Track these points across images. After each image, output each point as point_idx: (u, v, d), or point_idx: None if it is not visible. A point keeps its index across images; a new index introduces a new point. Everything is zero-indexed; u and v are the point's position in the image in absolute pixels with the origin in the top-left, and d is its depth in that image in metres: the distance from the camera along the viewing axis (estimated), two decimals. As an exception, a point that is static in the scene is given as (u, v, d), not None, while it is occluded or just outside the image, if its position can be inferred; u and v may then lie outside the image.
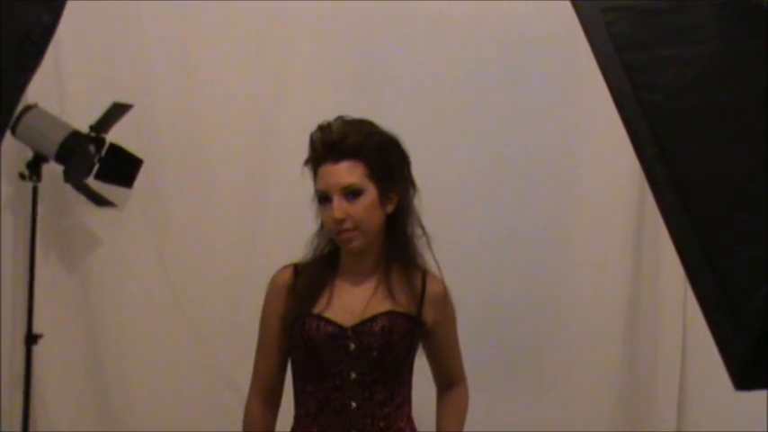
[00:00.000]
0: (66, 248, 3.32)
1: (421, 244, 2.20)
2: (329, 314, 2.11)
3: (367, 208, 2.07)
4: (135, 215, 3.33)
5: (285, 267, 2.21)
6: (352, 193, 2.06)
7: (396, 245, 2.16)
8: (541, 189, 3.41)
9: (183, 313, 3.33)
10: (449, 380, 2.31)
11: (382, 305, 2.12)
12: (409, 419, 2.17)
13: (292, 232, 3.05)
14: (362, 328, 2.10)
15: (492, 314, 3.37)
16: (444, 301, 2.21)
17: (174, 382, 3.30)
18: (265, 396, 2.22)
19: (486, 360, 3.23)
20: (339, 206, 2.06)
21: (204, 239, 3.34)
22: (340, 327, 2.10)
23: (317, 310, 2.12)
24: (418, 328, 2.15)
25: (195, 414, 3.27)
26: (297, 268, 2.20)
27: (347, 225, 2.07)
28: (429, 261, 2.22)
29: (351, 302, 2.13)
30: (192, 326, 3.32)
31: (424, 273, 2.20)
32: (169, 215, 3.35)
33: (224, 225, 3.33)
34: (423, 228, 2.19)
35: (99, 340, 3.30)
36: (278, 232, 3.26)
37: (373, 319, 2.10)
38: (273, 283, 2.21)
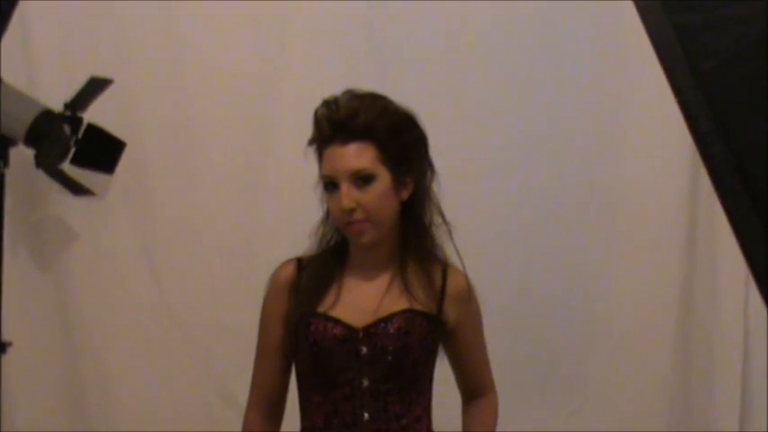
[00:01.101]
0: (39, 244, 3.31)
1: (440, 234, 2.19)
2: (337, 314, 2.10)
3: (379, 196, 2.06)
4: (117, 205, 3.32)
5: (287, 262, 2.22)
6: (363, 179, 2.05)
7: (412, 235, 2.15)
8: (579, 169, 3.39)
9: (173, 317, 3.33)
10: (475, 389, 2.30)
11: (398, 303, 2.12)
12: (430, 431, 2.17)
13: (294, 222, 3.05)
14: (376, 329, 2.09)
15: (523, 313, 3.35)
16: (468, 297, 2.20)
17: (164, 395, 3.30)
18: (266, 408, 2.22)
19: (518, 367, 3.24)
20: (348, 194, 2.05)
21: (195, 232, 3.33)
22: (350, 328, 2.09)
23: (323, 309, 2.11)
24: (439, 328, 2.14)
25: (187, 428, 3.25)
26: (300, 263, 2.20)
27: (357, 215, 2.06)
28: (450, 253, 2.21)
29: (362, 300, 2.12)
30: (183, 331, 3.32)
31: (445, 266, 2.20)
32: (156, 205, 3.34)
33: (217, 215, 3.32)
34: (442, 215, 2.18)
35: (77, 348, 3.29)
36: (278, 223, 3.26)
37: (388, 318, 2.09)
38: (274, 280, 2.21)
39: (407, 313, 2.10)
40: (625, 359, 3.40)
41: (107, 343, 3.30)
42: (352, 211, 2.06)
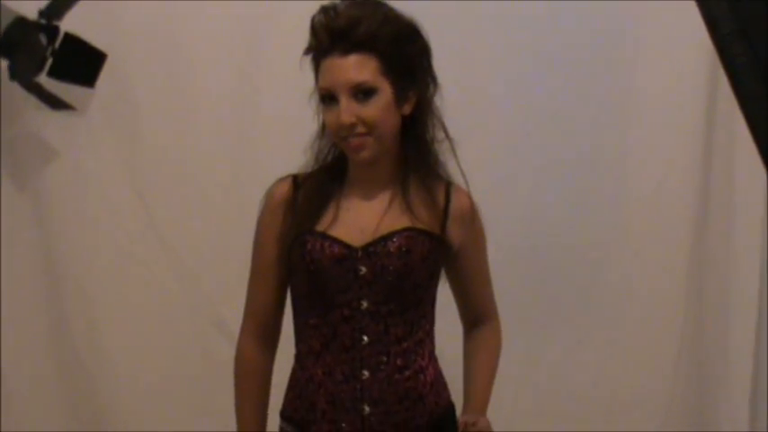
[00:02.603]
0: (15, 162, 3.27)
1: (443, 151, 2.16)
2: (335, 232, 2.08)
3: (380, 110, 2.04)
4: (99, 121, 3.28)
5: (282, 179, 2.19)
6: (364, 92, 2.02)
7: (414, 152, 2.14)
8: (588, 86, 3.36)
9: (161, 240, 3.31)
10: (478, 315, 2.30)
11: (399, 221, 2.10)
12: (432, 357, 2.17)
13: (288, 137, 3.06)
14: (375, 248, 2.07)
15: (526, 242, 3.35)
16: (472, 217, 2.19)
17: (152, 321, 3.29)
18: (260, 333, 2.22)
19: (520, 299, 3.24)
20: (348, 108, 2.02)
21: (183, 150, 3.29)
22: (348, 247, 2.07)
23: (320, 227, 2.09)
24: (442, 249, 2.13)
25: (178, 358, 3.29)
26: (296, 180, 2.17)
27: (357, 130, 2.03)
28: (453, 171, 2.18)
29: (361, 219, 2.11)
30: (171, 256, 3.31)
31: (448, 184, 2.18)
32: (140, 121, 3.30)
33: (207, 131, 3.28)
34: (446, 131, 2.15)
35: (58, 275, 3.29)
36: (271, 138, 3.23)
37: (388, 237, 2.08)
38: (269, 198, 2.18)
39: (409, 232, 2.08)
40: (631, 292, 3.41)
41: (90, 269, 3.28)
42: (351, 125, 2.03)
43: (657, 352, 3.41)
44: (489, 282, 2.30)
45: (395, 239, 2.08)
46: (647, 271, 3.40)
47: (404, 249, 2.07)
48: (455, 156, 2.17)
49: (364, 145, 2.06)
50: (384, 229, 2.09)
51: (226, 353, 3.23)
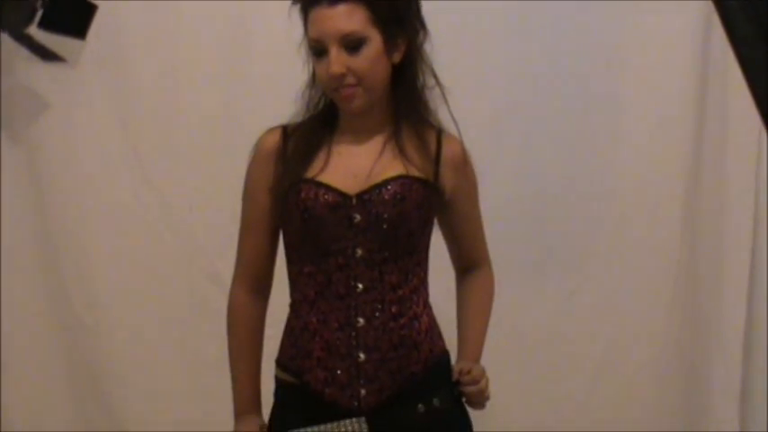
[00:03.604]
0: (7, 114, 3.26)
1: (434, 98, 2.16)
2: (329, 179, 2.09)
3: (371, 60, 2.04)
4: (90, 74, 3.26)
5: (272, 129, 2.20)
6: (353, 42, 2.02)
7: (405, 99, 2.14)
8: (582, 33, 3.33)
9: (154, 192, 3.31)
10: (471, 262, 2.32)
11: (393, 168, 2.10)
12: (426, 305, 2.17)
13: (278, 87, 3.03)
14: (370, 195, 2.07)
15: (521, 188, 3.34)
16: (464, 164, 2.20)
17: (144, 272, 3.30)
18: (252, 283, 2.23)
19: (515, 246, 3.26)
20: (337, 59, 2.02)
21: (175, 101, 3.28)
22: (342, 194, 2.07)
23: (313, 174, 2.09)
24: (436, 195, 2.14)
25: (169, 309, 3.30)
26: (286, 130, 2.18)
27: (347, 81, 2.04)
28: (444, 117, 2.19)
29: (354, 166, 2.11)
30: (164, 207, 3.31)
31: (439, 131, 2.18)
32: (132, 73, 3.29)
33: (198, 83, 3.27)
34: (436, 77, 2.15)
35: (52, 227, 3.29)
36: (261, 89, 3.22)
37: (383, 184, 2.08)
38: (259, 148, 2.19)
39: (403, 179, 2.08)
40: (628, 238, 3.40)
41: (83, 220, 3.29)
42: (342, 76, 2.03)
43: (651, 301, 3.41)
44: (481, 228, 2.31)
45: (389, 187, 2.07)
46: (641, 220, 3.39)
47: (398, 197, 2.07)
48: (446, 103, 2.18)
49: (355, 95, 2.06)
50: (377, 176, 2.09)
51: (220, 304, 3.25)
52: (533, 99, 3.37)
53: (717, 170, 3.39)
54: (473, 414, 2.23)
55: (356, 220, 2.07)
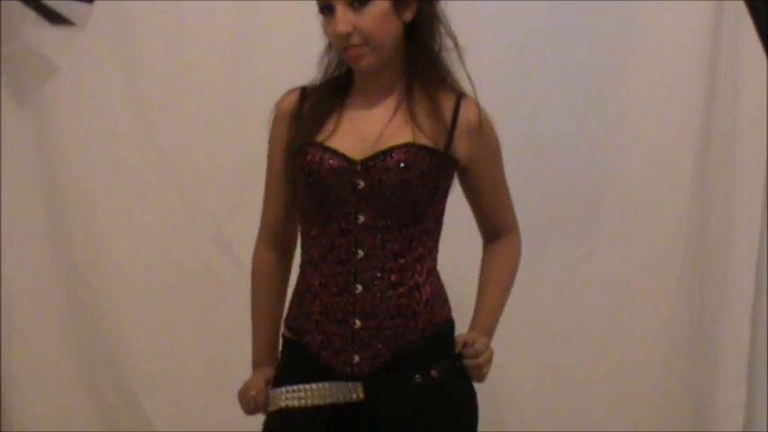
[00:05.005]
0: (14, 77, 3.25)
1: (453, 60, 2.14)
2: (336, 144, 2.08)
3: (378, 18, 2.02)
4: (98, 36, 3.24)
5: (291, 91, 2.21)
6: (359, 0, 2.01)
7: (418, 60, 2.11)
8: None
9: (162, 157, 3.29)
10: (494, 229, 2.29)
11: (400, 135, 2.08)
12: (431, 275, 2.15)
13: (291, 51, 3.02)
14: (374, 162, 2.06)
15: (529, 153, 3.29)
16: (480, 130, 2.14)
17: (151, 236, 3.29)
18: (273, 241, 2.27)
19: (523, 212, 3.24)
20: (343, 17, 2.02)
21: (183, 64, 3.25)
22: (348, 159, 2.07)
23: (321, 138, 2.09)
24: (446, 164, 2.11)
25: (176, 273, 3.29)
26: (304, 92, 2.19)
27: (354, 40, 2.03)
28: (462, 80, 2.16)
29: (363, 130, 2.10)
30: (172, 171, 3.29)
31: (459, 96, 2.15)
32: (139, 35, 3.26)
33: (208, 45, 3.24)
34: (454, 38, 2.13)
35: (59, 190, 3.28)
36: (274, 52, 3.19)
37: (388, 151, 2.06)
38: (276, 110, 2.21)
39: (408, 147, 2.06)
40: (638, 203, 3.38)
41: (90, 184, 3.27)
42: (348, 35, 2.02)
43: (662, 265, 3.39)
44: (506, 195, 2.29)
45: (394, 154, 2.06)
46: (649, 190, 3.37)
47: (402, 165, 2.05)
48: (463, 64, 2.15)
49: (362, 55, 2.05)
50: (385, 141, 2.08)
51: (226, 268, 3.27)
52: (542, 69, 3.33)
53: (728, 134, 3.36)
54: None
55: (360, 187, 2.06)
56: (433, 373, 2.11)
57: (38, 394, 3.32)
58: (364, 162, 2.06)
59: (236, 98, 3.22)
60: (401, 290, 2.08)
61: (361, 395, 2.07)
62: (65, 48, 3.26)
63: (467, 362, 2.15)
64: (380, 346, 2.07)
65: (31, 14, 3.16)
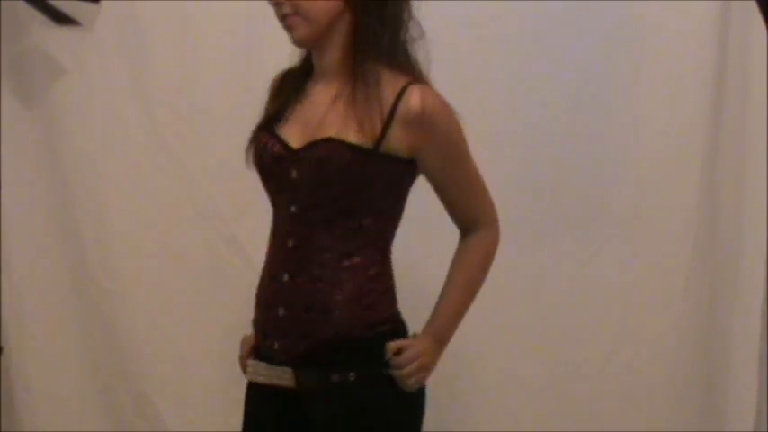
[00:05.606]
0: (22, 78, 3.25)
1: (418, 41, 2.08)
2: (283, 130, 2.09)
3: None
4: (105, 36, 3.24)
5: (278, 74, 2.25)
6: None
7: (363, 40, 2.02)
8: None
9: (171, 156, 3.29)
10: (464, 226, 2.17)
11: (331, 126, 2.01)
12: (361, 274, 2.05)
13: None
14: (305, 152, 2.03)
15: (536, 150, 3.29)
16: (421, 121, 1.99)
17: (162, 235, 3.29)
18: None
19: (529, 210, 3.24)
20: None
21: (191, 66, 3.25)
22: (288, 148, 2.06)
23: (275, 123, 2.11)
24: (378, 161, 2.00)
25: (187, 275, 3.29)
26: (286, 74, 2.21)
27: (285, 9, 2.01)
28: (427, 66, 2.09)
29: (307, 116, 2.08)
30: (181, 171, 3.28)
31: (409, 83, 2.01)
32: (148, 35, 3.25)
33: (217, 44, 3.23)
34: (410, 14, 2.04)
35: (67, 191, 3.28)
36: (281, 50, 3.16)
37: (315, 144, 2.01)
38: (269, 90, 2.25)
39: (328, 142, 1.99)
40: (647, 202, 3.35)
41: (100, 184, 3.27)
42: (277, 4, 2.02)
43: (671, 264, 3.36)
44: (472, 189, 2.15)
45: (316, 148, 2.01)
46: (661, 183, 3.35)
47: (320, 159, 2.00)
48: (422, 48, 2.09)
49: (292, 25, 2.03)
50: (318, 131, 2.03)
51: (236, 267, 3.26)
52: (550, 62, 3.31)
53: (737, 134, 3.34)
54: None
55: (293, 176, 2.04)
56: (351, 375, 2.05)
57: (49, 395, 3.32)
58: (297, 152, 2.04)
59: (246, 98, 3.19)
60: (320, 285, 2.04)
61: (293, 383, 2.09)
62: (72, 48, 3.25)
63: (392, 371, 2.06)
64: (296, 338, 2.06)
65: (38, 15, 3.15)
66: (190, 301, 3.30)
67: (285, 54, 3.10)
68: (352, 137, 1.99)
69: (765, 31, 2.89)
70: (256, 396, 2.20)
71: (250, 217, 3.07)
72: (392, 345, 2.06)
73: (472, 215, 2.16)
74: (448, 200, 2.14)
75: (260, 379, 2.14)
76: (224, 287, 3.24)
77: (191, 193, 3.30)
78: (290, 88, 2.15)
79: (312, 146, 2.02)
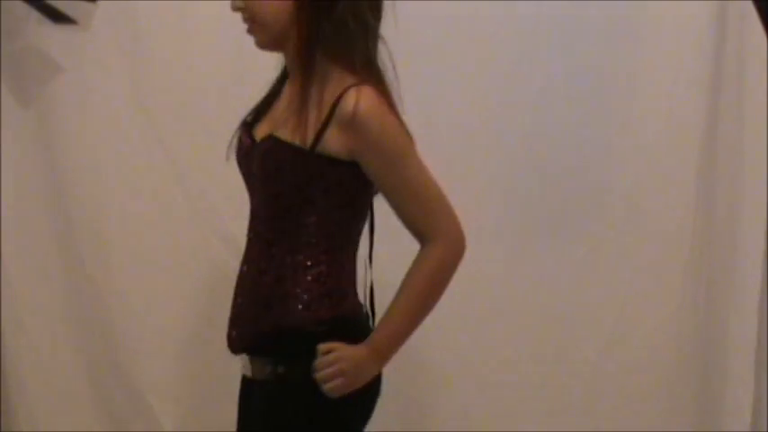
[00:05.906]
0: (19, 77, 3.25)
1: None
2: (257, 127, 2.15)
3: None
4: (102, 35, 3.23)
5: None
6: None
7: (309, 36, 2.01)
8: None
9: (168, 156, 3.29)
10: (416, 236, 2.09)
11: (280, 124, 2.04)
12: (305, 273, 2.05)
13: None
14: (256, 147, 2.10)
15: (528, 152, 3.29)
16: (351, 125, 1.96)
17: (158, 235, 3.29)
18: None
19: (522, 211, 3.25)
20: None
21: (188, 64, 3.25)
22: (254, 142, 2.11)
23: (253, 118, 2.17)
24: (315, 162, 1.99)
25: (183, 274, 3.29)
26: (283, 71, 2.24)
27: (244, 15, 2.07)
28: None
29: (275, 115, 2.13)
30: (178, 170, 3.29)
31: (353, 85, 1.98)
32: (145, 35, 3.25)
33: (214, 43, 3.22)
34: (366, 13, 2.01)
35: (64, 189, 3.28)
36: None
37: (263, 140, 2.08)
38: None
39: (269, 140, 2.05)
40: (644, 198, 3.36)
41: (96, 183, 3.27)
42: (238, 11, 2.09)
43: (669, 260, 3.37)
44: (413, 198, 2.05)
45: (262, 145, 2.08)
46: (659, 178, 3.35)
47: (263, 155, 2.06)
48: (381, 50, 2.07)
49: (251, 31, 2.11)
50: (273, 128, 2.08)
51: (233, 265, 3.26)
52: (546, 63, 3.32)
53: (734, 135, 3.34)
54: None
55: (254, 170, 2.10)
56: (280, 369, 2.07)
57: (44, 394, 3.32)
58: (255, 146, 2.10)
59: (243, 97, 3.19)
60: (266, 278, 2.08)
61: (249, 372, 2.16)
62: (69, 47, 3.25)
63: (315, 374, 2.05)
64: (244, 328, 2.12)
65: (35, 13, 3.15)
66: (186, 300, 3.31)
67: (279, 55, 3.16)
68: (288, 135, 2.01)
69: (763, 32, 2.90)
70: (241, 388, 2.27)
71: (244, 215, 3.07)
72: (322, 347, 2.04)
73: (416, 227, 2.07)
74: (394, 208, 2.08)
75: (242, 370, 2.22)
76: (221, 287, 3.20)
77: (188, 192, 3.30)
78: (276, 86, 2.22)
79: (262, 141, 2.08)
